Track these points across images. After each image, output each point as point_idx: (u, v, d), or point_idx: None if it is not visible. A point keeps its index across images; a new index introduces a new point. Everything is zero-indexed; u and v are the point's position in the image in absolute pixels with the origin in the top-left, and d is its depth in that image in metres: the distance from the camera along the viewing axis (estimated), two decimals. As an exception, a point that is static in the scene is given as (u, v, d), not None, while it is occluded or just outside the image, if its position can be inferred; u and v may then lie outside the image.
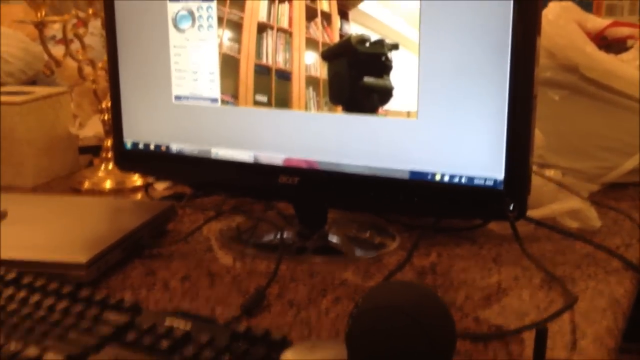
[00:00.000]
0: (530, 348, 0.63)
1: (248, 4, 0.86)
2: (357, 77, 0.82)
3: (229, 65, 0.89)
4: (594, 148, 1.08)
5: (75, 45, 1.17)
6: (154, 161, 0.97)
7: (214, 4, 0.88)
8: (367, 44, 0.81)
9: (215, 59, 0.89)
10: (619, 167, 1.07)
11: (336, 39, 0.82)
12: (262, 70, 0.87)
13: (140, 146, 0.97)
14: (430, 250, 0.88)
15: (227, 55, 0.89)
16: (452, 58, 0.76)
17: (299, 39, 0.84)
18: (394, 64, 0.80)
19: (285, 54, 0.85)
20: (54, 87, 1.29)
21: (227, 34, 0.88)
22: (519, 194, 0.77)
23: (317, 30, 0.83)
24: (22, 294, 0.71)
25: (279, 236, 0.89)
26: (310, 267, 0.84)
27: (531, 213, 0.87)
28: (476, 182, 0.78)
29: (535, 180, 0.81)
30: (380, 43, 0.80)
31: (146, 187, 1.13)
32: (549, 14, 1.10)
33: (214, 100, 0.90)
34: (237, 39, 0.87)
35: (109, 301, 0.70)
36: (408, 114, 0.80)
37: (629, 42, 1.23)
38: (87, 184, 1.15)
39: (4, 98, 1.16)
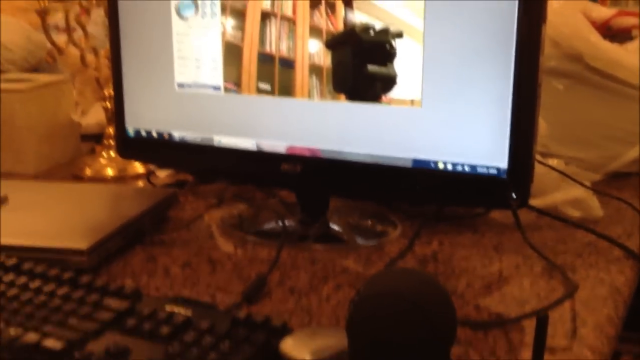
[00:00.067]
0: (531, 336, 0.63)
1: (251, -9, 0.85)
2: (361, 65, 0.81)
3: (232, 53, 0.88)
4: (598, 137, 1.08)
5: (78, 34, 1.17)
6: (156, 149, 0.97)
7: (216, -9, 0.87)
8: (372, 32, 0.80)
9: (219, 46, 0.89)
10: (622, 157, 1.06)
11: (340, 27, 0.82)
12: (265, 58, 0.87)
13: (143, 134, 0.97)
14: (431, 239, 0.88)
15: (230, 43, 0.88)
16: (457, 46, 0.76)
17: (302, 27, 0.84)
18: (398, 52, 0.79)
19: (289, 42, 0.85)
20: (56, 75, 1.29)
21: (231, 21, 0.88)
22: (522, 182, 0.77)
23: (321, 19, 0.83)
24: (22, 279, 0.71)
25: (280, 224, 0.89)
26: (311, 254, 0.84)
27: (533, 202, 0.87)
28: (479, 170, 0.78)
29: (538, 169, 0.81)
30: (384, 31, 0.80)
31: (148, 175, 1.13)
32: (554, 3, 1.09)
33: (217, 88, 0.90)
34: (241, 27, 0.87)
35: (110, 287, 0.70)
36: (412, 102, 0.80)
37: (634, 32, 1.23)
38: (88, 172, 1.15)
39: (6, 85, 1.16)
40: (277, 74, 0.86)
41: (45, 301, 0.67)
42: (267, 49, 0.86)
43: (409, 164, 0.81)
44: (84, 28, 1.17)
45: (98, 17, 1.20)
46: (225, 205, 1.00)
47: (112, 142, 1.16)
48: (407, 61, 0.79)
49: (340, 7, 0.81)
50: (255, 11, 0.86)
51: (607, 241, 0.85)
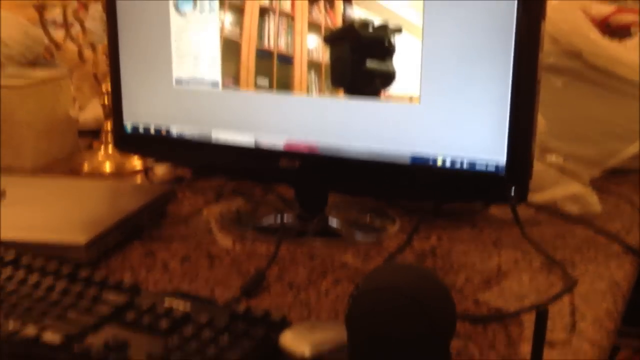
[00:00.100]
0: (529, 330, 0.63)
1: (249, -14, 0.85)
2: (360, 61, 0.81)
3: (230, 48, 0.88)
4: (596, 134, 1.08)
5: (76, 29, 1.16)
6: (154, 144, 0.97)
7: (215, -13, 0.87)
8: (370, 28, 0.80)
9: (217, 42, 0.89)
10: (620, 153, 1.06)
11: (339, 23, 0.82)
12: (263, 54, 0.86)
13: (140, 129, 0.96)
14: (430, 234, 0.88)
15: (228, 38, 0.88)
16: (456, 42, 0.76)
17: (301, 23, 0.84)
18: (396, 49, 0.79)
19: (288, 37, 0.85)
20: (54, 70, 1.28)
21: (229, 17, 0.87)
22: (521, 178, 0.77)
23: (319, 14, 0.83)
24: (21, 274, 0.71)
25: (279, 219, 0.89)
26: (310, 249, 0.84)
27: (532, 197, 0.87)
28: (478, 166, 0.78)
29: (537, 166, 0.81)
30: (383, 27, 0.79)
31: (146, 171, 1.12)
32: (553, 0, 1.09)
33: (215, 83, 0.90)
34: (239, 23, 0.87)
35: (108, 281, 0.69)
36: (410, 98, 0.80)
37: (633, 29, 1.23)
38: (86, 167, 1.15)
39: (4, 81, 1.15)
40: (276, 70, 0.86)
41: (44, 295, 0.67)
42: (266, 44, 0.86)
43: (408, 160, 0.81)
44: (81, 23, 1.16)
45: (96, 12, 1.20)
46: (224, 201, 1.00)
47: (109, 138, 1.16)
48: (406, 57, 0.79)
49: (339, 2, 0.81)
50: (253, 7, 0.86)
51: (606, 237, 0.85)
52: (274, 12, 0.85)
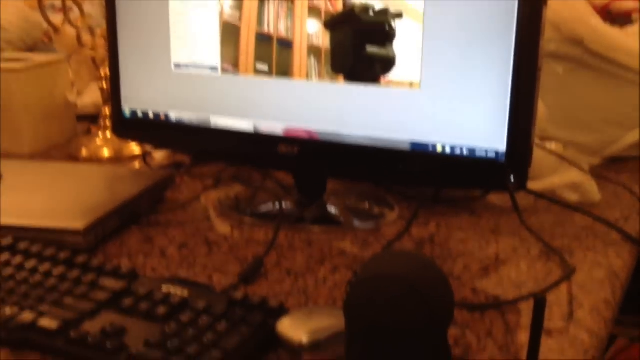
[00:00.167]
0: (527, 318, 0.64)
1: (248, -30, 0.85)
2: (360, 46, 0.81)
3: (230, 33, 0.87)
4: (597, 121, 1.08)
5: (74, 13, 1.16)
6: (152, 129, 0.96)
7: (214, -30, 0.86)
8: (371, 13, 0.80)
9: (216, 26, 0.88)
10: (620, 141, 1.06)
11: (339, 7, 0.81)
12: (263, 39, 0.86)
13: (139, 114, 0.96)
14: (429, 221, 0.88)
15: (227, 23, 0.87)
16: (457, 28, 0.75)
17: (301, 7, 0.83)
18: (397, 33, 0.79)
19: (287, 22, 0.84)
20: (52, 55, 1.28)
21: (228, 1, 0.87)
22: (520, 166, 0.76)
23: (320, -1, 0.82)
24: (18, 259, 0.71)
25: (277, 205, 0.89)
26: (308, 236, 0.84)
27: (531, 185, 0.87)
28: (478, 153, 0.78)
29: (537, 153, 0.80)
30: (384, 12, 0.79)
31: (144, 156, 1.12)
32: (555, -14, 1.08)
33: (214, 68, 0.89)
34: (239, 7, 0.86)
35: (106, 267, 0.69)
36: (411, 84, 0.79)
37: (634, 16, 1.22)
38: (84, 152, 1.15)
39: (2, 65, 1.15)
40: (275, 55, 0.86)
41: (41, 281, 0.67)
42: (265, 29, 0.86)
43: (407, 147, 0.81)
44: (80, 7, 1.16)
45: (95, -4, 1.19)
46: (222, 187, 1.00)
47: (108, 123, 1.15)
48: (406, 42, 0.78)
49: (339, -13, 0.81)
50: (253, -9, 0.85)
51: (605, 225, 0.85)
52: (274, -4, 0.84)
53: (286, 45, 0.85)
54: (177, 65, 0.92)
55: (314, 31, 0.83)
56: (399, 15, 0.78)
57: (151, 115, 0.95)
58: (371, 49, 0.80)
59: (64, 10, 1.14)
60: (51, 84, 1.20)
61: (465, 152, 0.78)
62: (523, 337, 0.62)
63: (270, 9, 0.85)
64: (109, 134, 1.15)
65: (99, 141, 1.16)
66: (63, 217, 0.81)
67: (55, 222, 0.80)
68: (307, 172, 0.91)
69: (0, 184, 0.90)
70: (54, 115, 1.20)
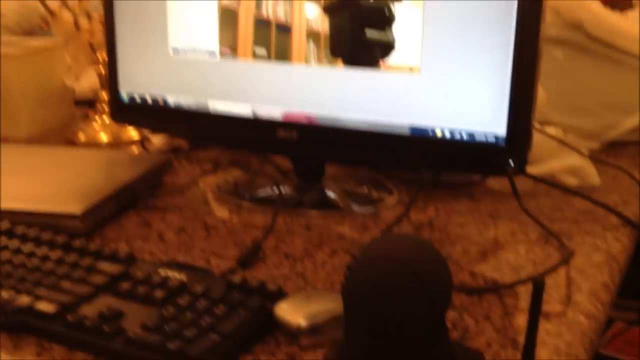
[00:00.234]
0: (525, 301, 0.64)
1: (246, -47, 0.84)
2: (359, 30, 0.80)
3: (228, 17, 0.87)
4: (596, 106, 1.07)
5: (72, -3, 1.15)
6: (150, 114, 0.96)
7: (211, -47, 0.86)
8: (370, -4, 0.79)
9: (214, 10, 0.87)
10: (620, 125, 1.06)
11: (338, -10, 0.81)
12: (261, 23, 0.85)
13: (137, 99, 0.96)
14: (427, 205, 0.88)
15: (226, 7, 0.87)
16: (457, 12, 0.75)
17: (299, -9, 0.83)
18: (397, 17, 0.78)
19: (286, 6, 0.84)
20: (50, 39, 1.27)
21: (226, -15, 0.86)
22: (520, 150, 0.76)
23: (318, -18, 0.82)
24: (15, 243, 0.71)
25: (276, 190, 0.89)
26: (306, 220, 0.84)
27: (530, 169, 0.87)
28: (477, 137, 0.77)
29: (536, 137, 0.80)
30: (383, -5, 0.78)
31: (142, 140, 1.12)
32: (555, -30, 1.08)
33: (212, 53, 0.89)
34: (237, -9, 0.86)
35: (104, 251, 0.69)
36: (410, 68, 0.79)
37: (634, 1, 1.21)
38: (82, 137, 1.14)
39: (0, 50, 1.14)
40: (274, 39, 0.85)
41: (39, 265, 0.67)
42: (264, 13, 0.85)
43: (407, 131, 0.81)
44: (77, -9, 1.15)
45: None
46: (221, 171, 0.99)
47: (105, 108, 1.15)
48: (406, 26, 0.78)
49: (338, -30, 0.80)
50: (251, -25, 0.85)
51: (604, 209, 0.85)
52: (272, -20, 0.84)
53: (285, 29, 0.84)
54: (175, 50, 0.91)
55: (313, 15, 0.82)
56: (399, -1, 0.78)
57: (149, 100, 0.95)
58: (370, 34, 0.80)
59: (61, -7, 1.13)
60: (49, 68, 1.20)
61: (464, 137, 0.78)
62: (521, 320, 0.62)
63: (269, -7, 0.84)
64: (106, 118, 1.15)
65: (96, 126, 1.16)
66: (61, 202, 0.81)
67: (53, 206, 0.80)
68: (305, 157, 0.91)
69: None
70: (52, 100, 1.20)
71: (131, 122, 1.07)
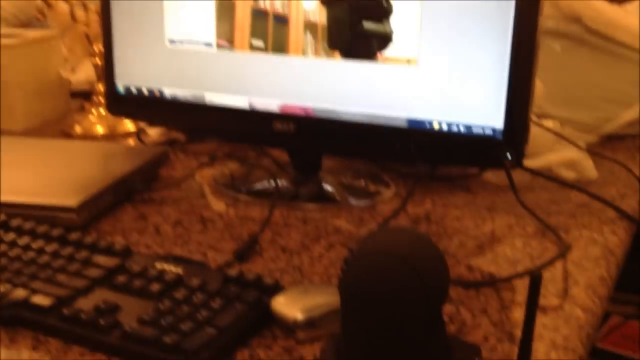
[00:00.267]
0: (522, 295, 0.64)
1: (243, -56, 0.83)
2: (357, 22, 0.80)
3: (225, 8, 0.86)
4: (594, 99, 1.07)
5: (68, -11, 1.14)
6: (146, 106, 0.95)
7: (208, -56, 0.85)
8: (368, -13, 0.79)
9: (212, 1, 0.87)
10: (617, 118, 1.06)
11: (335, -18, 0.80)
12: (259, 14, 0.85)
13: (133, 91, 0.95)
14: (424, 199, 0.88)
15: (222, -3, 0.86)
16: (455, 4, 0.75)
17: (296, -18, 0.82)
18: (395, 9, 0.78)
19: (283, -3, 0.83)
20: (46, 31, 1.26)
21: (223, -24, 0.86)
22: (517, 143, 0.76)
23: (316, -26, 0.81)
24: (10, 236, 0.70)
25: (272, 183, 0.88)
26: (303, 213, 0.83)
27: (528, 163, 0.86)
28: (475, 130, 0.77)
29: (533, 130, 0.80)
30: (381, -14, 0.78)
31: (138, 133, 1.11)
32: (554, -37, 1.07)
33: (209, 44, 0.88)
34: (233, -18, 0.85)
35: (100, 244, 0.69)
36: (408, 61, 0.79)
37: (633, -7, 1.21)
38: (78, 129, 1.14)
39: (-5, 41, 1.14)
40: (271, 31, 0.85)
41: (34, 258, 0.67)
42: (261, 4, 0.85)
43: (404, 124, 0.81)
44: (73, -17, 1.14)
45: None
46: (217, 164, 0.99)
47: (101, 99, 1.14)
48: (404, 18, 0.78)
49: (336, -38, 0.80)
50: (248, -34, 0.84)
51: (601, 202, 0.85)
52: (270, -28, 0.83)
53: (282, 21, 0.84)
54: (172, 41, 0.91)
55: (310, 7, 0.82)
56: (397, -9, 0.77)
57: (145, 92, 0.94)
58: (368, 25, 0.80)
59: (57, -16, 1.13)
60: (44, 60, 1.19)
61: (462, 129, 0.78)
62: (518, 314, 0.62)
63: (266, -16, 0.84)
64: (102, 110, 1.14)
65: (92, 118, 1.15)
66: (56, 194, 0.80)
67: (49, 199, 0.79)
68: (302, 150, 0.91)
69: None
70: (48, 92, 1.19)
71: (127, 114, 1.07)
